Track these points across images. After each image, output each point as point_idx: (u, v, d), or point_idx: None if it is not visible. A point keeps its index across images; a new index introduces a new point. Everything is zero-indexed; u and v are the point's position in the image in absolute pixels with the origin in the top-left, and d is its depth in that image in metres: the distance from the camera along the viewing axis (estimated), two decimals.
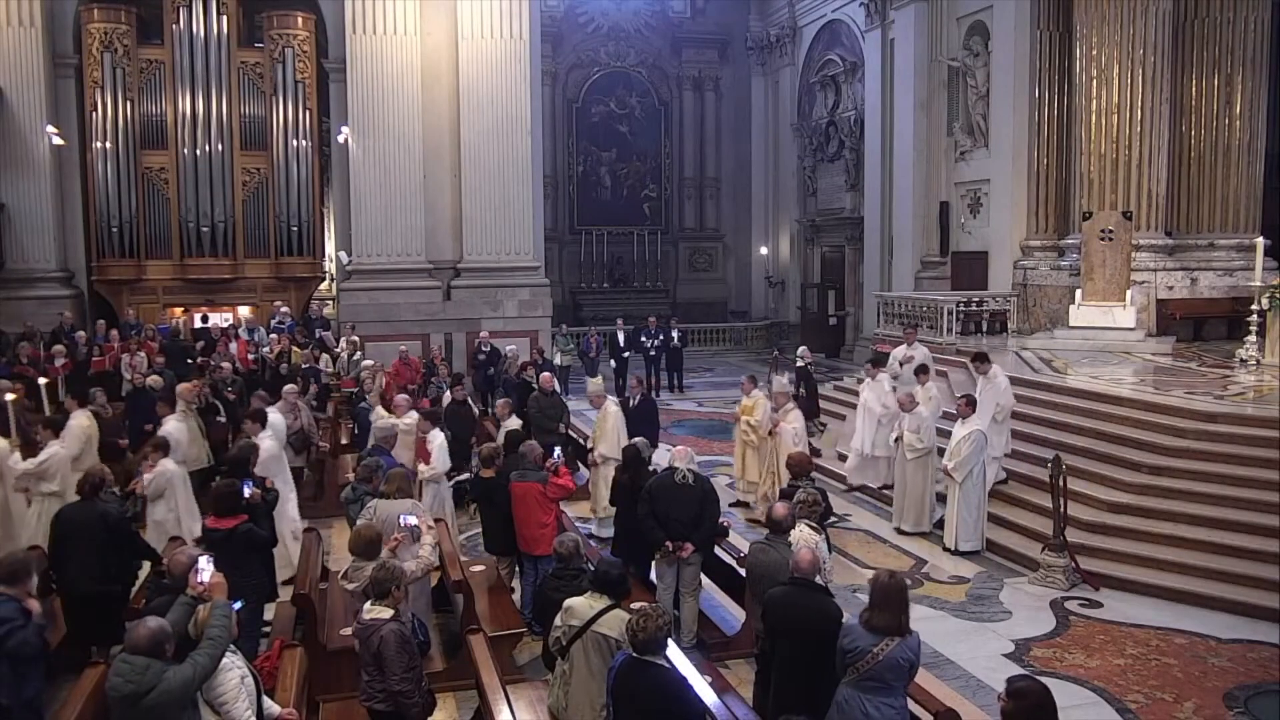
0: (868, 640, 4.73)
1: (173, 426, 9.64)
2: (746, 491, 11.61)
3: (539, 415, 11.84)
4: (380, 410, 11.02)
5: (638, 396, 12.15)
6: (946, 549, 9.90)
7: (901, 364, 12.98)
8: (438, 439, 9.60)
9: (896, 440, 10.75)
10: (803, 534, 6.22)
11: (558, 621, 5.30)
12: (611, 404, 10.89)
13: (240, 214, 19.58)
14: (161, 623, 4.34)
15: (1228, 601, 8.27)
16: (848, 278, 25.01)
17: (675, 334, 20.03)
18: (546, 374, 13.21)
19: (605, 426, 10.55)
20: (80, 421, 9.66)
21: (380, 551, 6.07)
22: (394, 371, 15.21)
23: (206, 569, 4.78)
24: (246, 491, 7.04)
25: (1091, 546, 9.21)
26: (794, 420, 10.84)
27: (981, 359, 11.17)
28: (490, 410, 14.82)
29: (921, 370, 11.61)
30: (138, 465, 9.29)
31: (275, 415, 10.14)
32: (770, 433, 11.00)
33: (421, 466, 9.36)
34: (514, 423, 10.22)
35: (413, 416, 10.19)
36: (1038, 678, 4.42)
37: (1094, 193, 15.91)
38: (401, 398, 11.09)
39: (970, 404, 10.04)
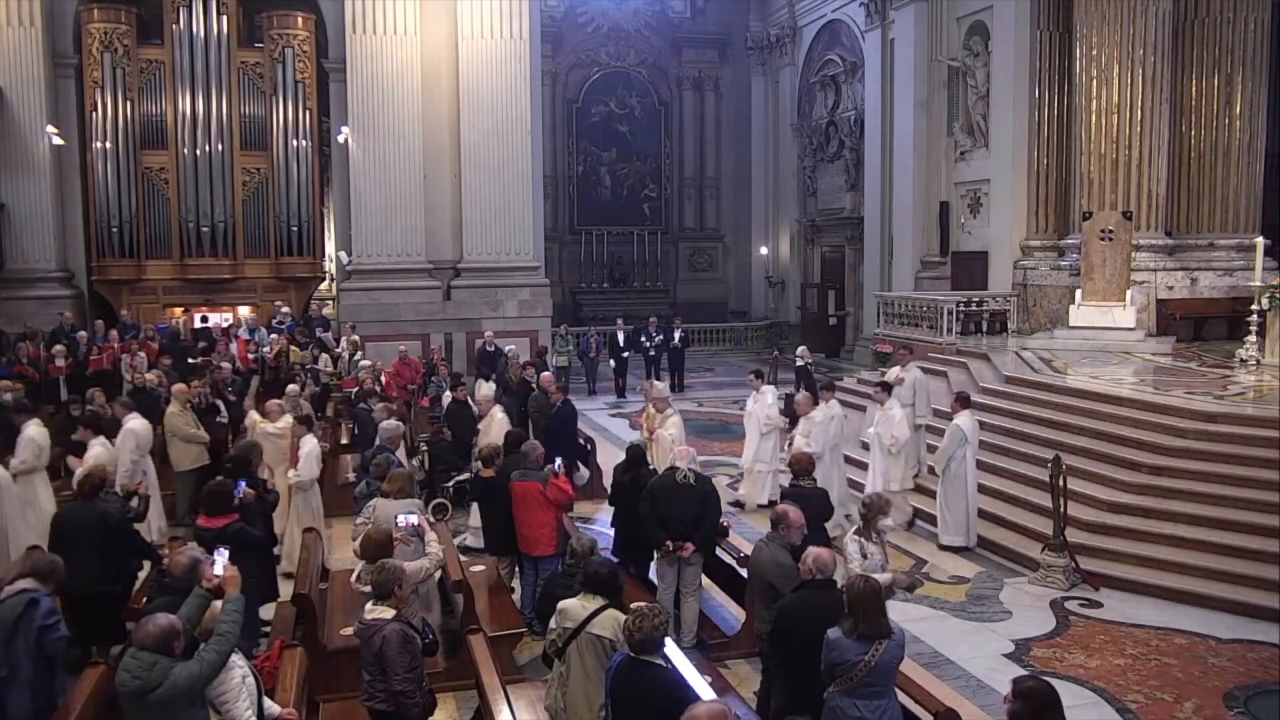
0: (857, 650, 4.72)
1: (33, 431, 9.07)
2: None
3: (538, 415, 11.82)
4: (254, 415, 10.42)
5: (557, 404, 12.00)
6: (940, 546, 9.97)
7: (893, 385, 12.21)
8: (308, 444, 9.28)
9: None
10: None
11: (553, 624, 5.29)
12: (498, 410, 10.67)
13: (240, 214, 19.56)
14: (171, 619, 4.35)
15: (1228, 601, 8.27)
16: (848, 278, 25.01)
17: (678, 334, 20.03)
18: (547, 374, 13.19)
19: (490, 431, 10.28)
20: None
21: (391, 553, 6.06)
22: (394, 371, 15.21)
23: (221, 562, 4.78)
24: (239, 492, 7.05)
25: (1091, 546, 9.21)
26: (671, 426, 10.37)
27: (884, 388, 10.94)
28: None
29: (885, 388, 10.96)
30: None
31: (135, 422, 9.42)
32: (649, 437, 10.56)
33: (290, 472, 9.14)
34: (392, 424, 9.78)
35: (286, 421, 9.91)
36: (1044, 678, 4.43)
37: (1094, 193, 15.90)
38: (274, 403, 10.41)
39: (962, 401, 10.18)
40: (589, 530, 10.08)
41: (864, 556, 6.51)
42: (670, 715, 4.56)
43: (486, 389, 11.34)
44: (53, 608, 5.24)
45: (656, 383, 11.40)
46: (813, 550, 5.55)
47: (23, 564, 5.59)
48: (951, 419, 10.20)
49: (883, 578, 6.10)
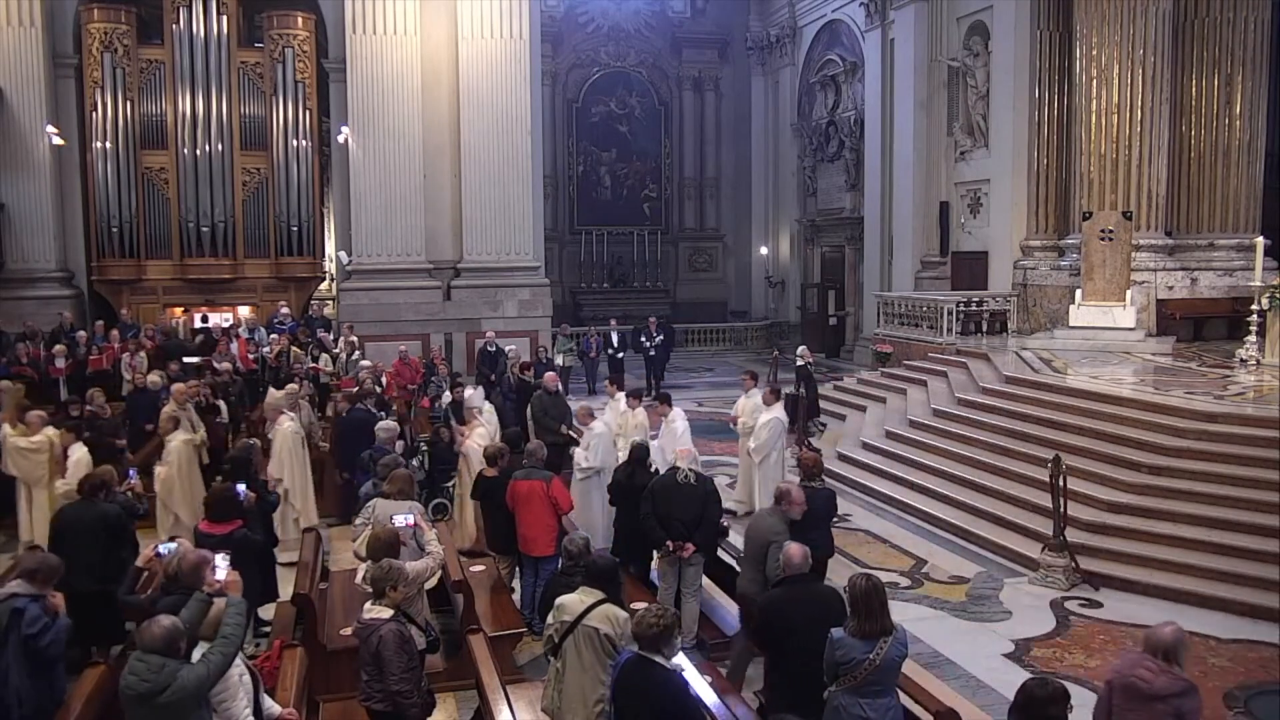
0: (861, 649, 4.72)
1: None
2: None
3: (542, 415, 11.82)
4: (5, 428, 9.67)
5: (344, 411, 11.65)
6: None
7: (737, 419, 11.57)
8: (76, 453, 8.86)
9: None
10: None
11: (550, 619, 5.28)
12: (286, 419, 10.10)
13: (240, 214, 19.56)
14: (175, 621, 4.34)
15: (1228, 601, 8.27)
16: (848, 278, 25.00)
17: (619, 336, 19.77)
18: (551, 374, 13.18)
19: (276, 446, 9.74)
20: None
21: (398, 554, 6.05)
22: (394, 371, 15.22)
23: (223, 567, 4.78)
24: (241, 496, 7.04)
25: (1091, 546, 9.20)
26: (478, 438, 9.84)
27: (664, 400, 10.51)
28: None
29: (664, 400, 10.51)
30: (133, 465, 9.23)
31: None
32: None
33: (59, 482, 8.75)
34: (180, 435, 9.53)
35: (45, 434, 9.35)
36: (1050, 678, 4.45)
37: (1094, 193, 15.89)
38: (35, 414, 9.72)
39: (775, 394, 10.68)
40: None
41: None
42: (676, 714, 4.58)
43: (276, 398, 10.94)
44: (40, 613, 5.13)
45: (468, 390, 11.11)
46: (787, 545, 5.66)
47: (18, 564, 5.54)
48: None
49: None
